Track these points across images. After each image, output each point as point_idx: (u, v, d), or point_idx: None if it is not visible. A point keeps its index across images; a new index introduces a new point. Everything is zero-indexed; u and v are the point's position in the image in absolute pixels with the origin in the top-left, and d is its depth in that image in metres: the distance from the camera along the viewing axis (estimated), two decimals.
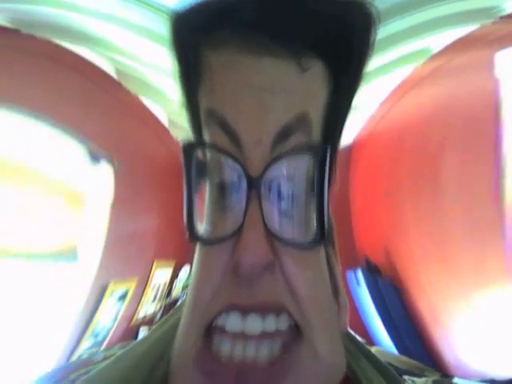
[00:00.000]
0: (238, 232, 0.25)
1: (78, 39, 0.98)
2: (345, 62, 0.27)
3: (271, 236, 0.25)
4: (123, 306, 1.15)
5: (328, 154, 0.26)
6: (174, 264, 1.33)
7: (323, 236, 0.26)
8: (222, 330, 0.26)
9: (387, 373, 0.35)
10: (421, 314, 1.10)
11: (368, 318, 1.20)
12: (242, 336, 0.26)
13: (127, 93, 1.18)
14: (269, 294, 0.26)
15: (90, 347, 1.03)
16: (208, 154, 0.28)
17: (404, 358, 1.08)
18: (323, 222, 0.26)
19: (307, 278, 0.27)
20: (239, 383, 0.25)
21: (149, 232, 1.33)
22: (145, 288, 1.22)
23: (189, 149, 0.27)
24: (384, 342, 1.15)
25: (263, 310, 0.26)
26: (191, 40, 0.28)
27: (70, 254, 1.01)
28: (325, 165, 0.26)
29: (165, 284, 1.29)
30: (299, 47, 0.25)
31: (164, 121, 1.30)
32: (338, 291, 0.32)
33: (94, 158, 1.07)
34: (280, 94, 0.26)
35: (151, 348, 0.34)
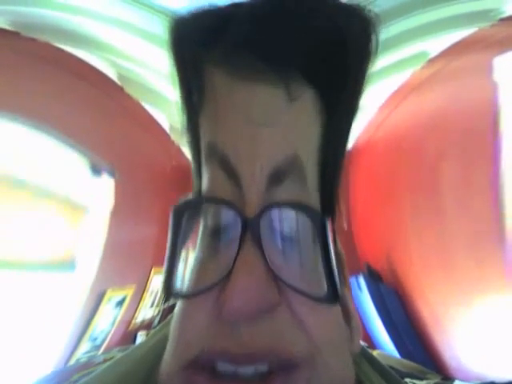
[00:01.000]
0: (227, 278, 0.22)
1: (79, 43, 0.99)
2: (338, 90, 0.25)
3: (275, 278, 0.23)
4: (121, 311, 1.14)
5: (327, 224, 0.24)
6: None
7: (336, 296, 0.24)
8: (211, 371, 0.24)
9: (389, 376, 0.34)
10: (422, 318, 1.09)
11: (370, 322, 1.19)
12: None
13: (129, 98, 1.18)
14: (268, 339, 0.23)
15: (88, 351, 1.02)
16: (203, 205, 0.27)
17: (406, 361, 1.07)
18: (334, 282, 0.24)
19: (321, 321, 0.25)
20: None
21: (147, 239, 1.32)
22: (143, 294, 1.21)
23: (179, 212, 0.26)
24: (386, 345, 1.15)
25: (257, 359, 0.23)
26: (191, 53, 0.26)
27: (69, 264, 1.01)
28: (325, 234, 0.24)
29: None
30: (287, 68, 0.23)
31: (165, 126, 1.30)
32: (349, 316, 0.30)
33: (96, 170, 1.07)
34: (270, 127, 0.24)
35: (149, 353, 0.33)
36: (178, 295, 0.26)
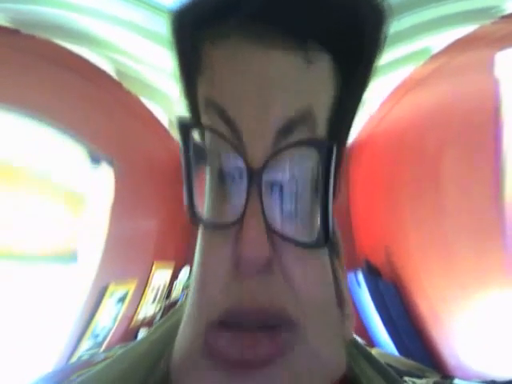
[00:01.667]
0: (239, 223, 0.24)
1: (78, 40, 0.98)
2: (354, 56, 0.27)
3: (271, 232, 0.25)
4: (123, 308, 1.14)
5: (334, 152, 0.25)
6: (173, 265, 1.33)
7: (327, 238, 0.25)
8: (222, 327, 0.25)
9: (387, 374, 0.35)
10: (421, 315, 1.10)
11: (368, 319, 1.20)
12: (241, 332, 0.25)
13: (128, 93, 1.17)
14: (268, 297, 0.25)
15: (90, 348, 1.03)
16: (207, 139, 0.27)
17: (404, 360, 1.07)
18: (327, 223, 0.25)
19: (309, 277, 0.26)
20: (236, 363, 0.24)
21: (149, 233, 1.32)
22: (144, 289, 1.22)
23: (186, 128, 0.27)
24: (384, 343, 1.15)
25: (262, 317, 0.25)
26: (193, 34, 0.27)
27: (70, 256, 1.01)
28: (330, 162, 0.25)
29: (164, 285, 1.29)
30: (306, 38, 0.25)
31: (165, 122, 1.30)
32: (343, 302, 0.31)
33: (95, 159, 1.07)
34: (284, 87, 0.25)
35: (150, 348, 0.33)
36: (203, 222, 0.27)
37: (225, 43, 0.26)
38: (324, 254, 0.29)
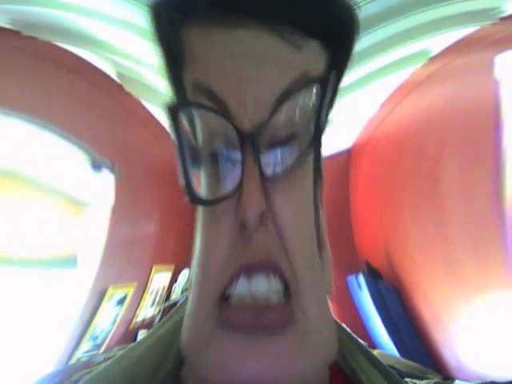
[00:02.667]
0: (238, 190, 0.25)
1: (79, 41, 0.99)
2: (337, 39, 0.29)
3: (266, 182, 0.26)
4: (122, 310, 1.14)
5: (333, 77, 0.27)
6: (172, 268, 1.33)
7: (320, 134, 0.27)
8: (232, 300, 0.26)
9: (388, 374, 0.35)
10: (422, 317, 1.10)
11: (370, 321, 1.20)
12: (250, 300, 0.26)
13: (128, 95, 1.18)
14: (265, 250, 0.26)
15: (89, 350, 1.03)
16: (197, 122, 0.28)
17: (405, 361, 1.07)
18: (322, 119, 0.27)
19: (297, 226, 0.27)
20: (255, 327, 0.25)
21: (148, 237, 1.33)
22: (144, 292, 1.22)
23: (174, 110, 0.26)
24: (386, 344, 1.15)
25: (265, 269, 0.26)
26: (171, 21, 0.28)
27: (70, 260, 1.01)
28: (327, 81, 0.26)
29: (164, 288, 1.29)
30: (288, 29, 0.26)
31: (165, 124, 1.30)
32: (322, 243, 0.32)
33: (96, 165, 1.07)
34: (271, 61, 0.26)
35: (155, 345, 0.34)
36: (202, 201, 0.27)
37: (205, 27, 0.26)
38: (309, 190, 0.29)
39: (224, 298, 0.27)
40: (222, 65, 0.26)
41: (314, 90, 0.27)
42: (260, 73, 0.26)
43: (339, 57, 0.30)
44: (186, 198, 0.27)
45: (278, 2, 0.25)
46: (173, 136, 0.26)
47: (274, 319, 0.26)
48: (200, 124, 0.28)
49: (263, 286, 0.26)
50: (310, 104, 0.27)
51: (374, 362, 0.35)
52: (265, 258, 0.26)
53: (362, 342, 0.36)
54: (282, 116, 0.26)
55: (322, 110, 0.26)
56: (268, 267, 0.27)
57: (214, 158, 0.27)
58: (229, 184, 0.26)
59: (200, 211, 0.29)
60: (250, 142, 0.25)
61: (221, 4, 0.26)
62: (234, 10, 0.25)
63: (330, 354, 0.29)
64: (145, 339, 0.36)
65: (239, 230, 0.26)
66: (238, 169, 0.25)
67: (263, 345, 0.26)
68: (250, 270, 0.26)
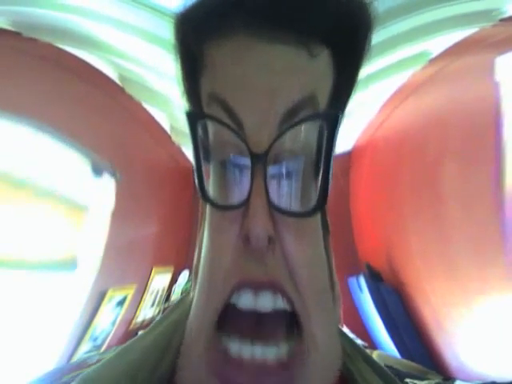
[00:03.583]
0: (246, 204, 0.26)
1: (80, 43, 0.99)
2: (349, 50, 0.29)
3: (273, 210, 0.26)
4: (122, 311, 1.14)
5: (339, 119, 0.27)
6: (172, 269, 1.33)
7: (324, 202, 0.27)
8: (236, 309, 0.27)
9: (387, 377, 0.35)
10: (423, 318, 1.09)
11: (370, 323, 1.19)
12: (252, 332, 0.27)
13: (130, 98, 1.18)
14: (272, 272, 0.27)
15: (89, 351, 1.02)
16: (211, 132, 0.28)
17: (406, 362, 1.07)
18: (327, 187, 0.27)
19: (305, 256, 0.28)
20: None
21: (148, 239, 1.33)
22: (143, 293, 1.22)
23: (193, 118, 0.28)
24: (386, 345, 1.15)
25: (272, 287, 0.27)
26: (196, 34, 0.29)
27: (70, 263, 1.01)
28: (336, 128, 0.26)
29: (163, 289, 1.29)
30: (309, 36, 0.26)
31: (166, 127, 1.30)
32: (333, 282, 0.33)
33: (97, 169, 1.08)
34: (289, 75, 0.26)
35: (158, 340, 0.34)
36: (213, 203, 0.28)
37: (228, 40, 0.27)
38: (318, 232, 0.31)
39: (227, 309, 0.28)
40: (243, 80, 0.27)
41: (319, 125, 0.27)
42: (282, 89, 0.26)
43: (347, 71, 0.30)
44: (200, 197, 0.28)
45: (305, 16, 0.26)
46: (191, 141, 0.28)
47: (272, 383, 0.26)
48: (213, 133, 0.28)
49: (269, 303, 0.27)
50: (315, 138, 0.28)
51: (376, 368, 0.36)
52: (271, 278, 0.27)
53: (363, 348, 0.37)
54: (287, 140, 0.27)
55: (330, 156, 0.27)
56: (274, 287, 0.27)
57: (224, 165, 0.28)
58: (237, 195, 0.28)
59: (208, 216, 0.30)
60: (260, 162, 0.26)
61: (246, 20, 0.26)
62: (257, 23, 0.26)
63: (336, 368, 0.30)
64: (143, 337, 0.36)
65: (243, 242, 0.27)
66: (247, 183, 0.26)
67: None
68: (256, 285, 0.27)
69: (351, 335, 0.38)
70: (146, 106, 1.25)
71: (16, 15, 0.89)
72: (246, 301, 0.27)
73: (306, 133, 0.27)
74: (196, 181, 0.28)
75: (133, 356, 0.32)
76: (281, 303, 0.27)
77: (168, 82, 1.11)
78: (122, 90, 1.16)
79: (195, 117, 0.28)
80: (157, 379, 0.30)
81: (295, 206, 0.28)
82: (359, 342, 0.42)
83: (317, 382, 0.29)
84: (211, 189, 0.29)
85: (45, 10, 0.90)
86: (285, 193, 0.28)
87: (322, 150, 0.27)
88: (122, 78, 1.14)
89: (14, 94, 0.89)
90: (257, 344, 0.27)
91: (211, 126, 0.28)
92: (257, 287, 0.27)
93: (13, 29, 0.90)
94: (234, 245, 0.27)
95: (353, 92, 0.32)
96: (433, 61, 1.11)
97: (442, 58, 1.09)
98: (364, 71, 0.31)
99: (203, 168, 0.28)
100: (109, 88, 1.14)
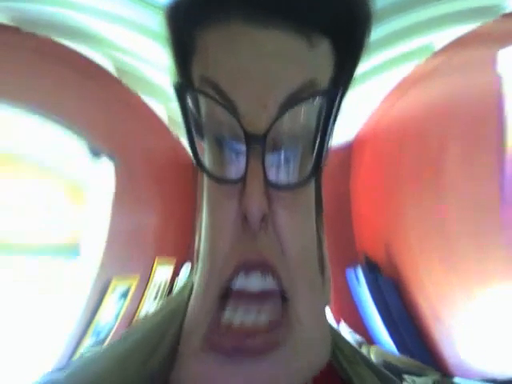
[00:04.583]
0: (242, 181, 0.26)
1: (78, 37, 0.98)
2: (349, 40, 0.29)
3: (269, 186, 0.26)
4: (125, 304, 1.15)
5: (339, 94, 0.27)
6: (175, 261, 1.34)
7: (318, 169, 0.27)
8: (233, 293, 0.28)
9: (389, 381, 0.35)
10: (421, 312, 1.10)
11: (368, 316, 1.20)
12: (245, 296, 0.28)
13: (127, 90, 1.18)
14: (265, 250, 0.27)
15: (92, 345, 1.04)
16: (203, 109, 0.28)
17: (404, 358, 1.08)
18: (321, 155, 0.27)
19: (297, 232, 0.29)
20: (239, 351, 0.27)
21: (150, 229, 1.33)
22: (146, 286, 1.23)
23: (181, 89, 0.28)
24: (384, 340, 1.16)
25: (263, 267, 0.28)
26: (189, 19, 0.28)
27: (72, 249, 1.02)
28: (334, 101, 0.27)
29: (166, 282, 1.30)
30: (307, 25, 0.26)
31: (164, 118, 1.30)
32: (324, 265, 0.34)
33: (95, 153, 1.08)
34: (286, 60, 0.26)
35: (150, 331, 0.34)
36: (211, 175, 0.28)
37: (223, 27, 0.27)
38: (312, 210, 0.31)
39: (225, 294, 0.28)
40: (238, 65, 0.26)
41: (319, 104, 0.27)
42: (276, 73, 0.26)
43: (347, 61, 0.30)
44: (196, 166, 0.28)
45: (303, 4, 0.25)
46: (180, 114, 0.28)
47: (256, 346, 0.27)
48: (205, 110, 0.28)
49: (258, 284, 0.27)
50: (314, 117, 0.28)
51: (377, 372, 0.36)
52: (263, 257, 0.28)
53: (364, 353, 0.37)
54: (286, 122, 0.27)
55: (326, 127, 0.27)
56: (264, 267, 0.28)
57: (218, 142, 0.28)
58: (233, 171, 0.28)
59: (206, 193, 0.30)
60: (257, 144, 0.26)
61: (243, 6, 0.26)
62: (254, 10, 0.26)
63: (319, 366, 0.30)
64: (138, 327, 0.37)
65: (242, 221, 0.27)
66: (242, 164, 0.26)
67: (248, 366, 0.27)
68: (248, 266, 0.27)
69: (349, 333, 0.39)
70: (144, 98, 1.24)
71: (15, 11, 0.89)
72: (239, 282, 0.28)
73: (305, 114, 0.27)
74: (191, 153, 0.28)
75: (125, 347, 0.33)
76: (270, 283, 0.28)
77: (166, 74, 1.10)
78: (120, 82, 1.16)
79: (184, 88, 0.28)
80: (150, 370, 0.30)
81: (291, 180, 0.28)
82: (357, 337, 0.43)
83: (304, 364, 0.29)
84: (207, 163, 0.29)
85: (43, 6, 0.89)
86: (282, 171, 0.28)
87: (319, 129, 0.27)
88: (120, 70, 1.14)
89: (14, 85, 0.89)
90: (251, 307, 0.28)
91: (203, 104, 0.28)
92: (248, 268, 0.27)
93: (11, 24, 0.89)
94: (233, 222, 0.27)
95: (352, 82, 0.32)
96: (436, 54, 1.09)
97: (445, 52, 1.07)
98: (364, 62, 0.31)
99: (196, 142, 0.28)
100: (107, 80, 1.14)
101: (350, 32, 0.28)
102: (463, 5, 0.90)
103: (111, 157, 1.11)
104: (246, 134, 0.26)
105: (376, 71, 1.16)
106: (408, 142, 1.29)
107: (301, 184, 0.28)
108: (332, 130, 0.29)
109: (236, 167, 0.27)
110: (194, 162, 0.28)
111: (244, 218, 0.26)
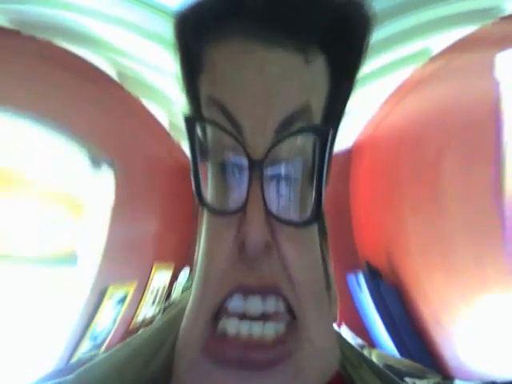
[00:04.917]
0: (242, 209, 0.26)
1: (79, 41, 0.99)
2: (345, 56, 0.29)
3: (270, 217, 0.27)
4: (122, 309, 1.14)
5: (330, 134, 0.27)
6: (173, 267, 1.33)
7: (319, 213, 0.28)
8: (228, 312, 0.28)
9: (384, 375, 0.35)
10: (422, 317, 1.10)
11: (369, 321, 1.20)
12: (246, 317, 0.28)
13: (129, 95, 1.18)
14: (267, 277, 0.28)
15: (89, 350, 1.02)
16: (209, 134, 0.29)
17: (405, 361, 1.07)
18: (320, 200, 0.27)
19: (302, 261, 0.29)
20: (244, 364, 0.26)
21: (148, 235, 1.33)
22: (144, 291, 1.22)
23: (191, 121, 0.28)
24: (385, 344, 1.15)
25: (264, 292, 0.28)
26: (195, 35, 0.29)
27: (70, 258, 1.01)
28: (326, 145, 0.27)
29: (164, 287, 1.29)
30: (306, 41, 0.27)
31: (165, 123, 1.30)
32: (329, 284, 0.34)
33: (95, 162, 1.07)
34: (286, 83, 0.27)
35: (151, 338, 0.35)
36: (209, 207, 0.29)
37: (227, 43, 0.27)
38: (315, 238, 0.32)
39: (221, 313, 0.28)
40: (245, 86, 0.27)
41: (313, 138, 0.28)
42: (281, 95, 0.27)
43: (341, 79, 0.31)
44: (196, 201, 0.28)
45: (303, 21, 0.26)
46: (188, 144, 0.28)
47: (263, 359, 0.27)
48: (211, 135, 0.29)
49: (258, 307, 0.28)
50: (310, 148, 0.29)
51: (381, 375, 0.36)
52: (267, 283, 0.28)
53: (368, 356, 0.37)
54: (284, 148, 0.27)
55: (323, 163, 0.27)
56: (269, 291, 0.28)
57: (222, 168, 0.29)
58: (234, 199, 0.28)
59: (205, 220, 0.30)
60: (258, 168, 0.26)
61: (245, 23, 0.27)
62: (268, 27, 0.26)
63: (327, 377, 0.31)
64: (139, 335, 0.37)
65: (239, 248, 0.27)
66: (244, 188, 0.27)
67: (253, 380, 0.27)
68: (245, 290, 0.28)
69: (351, 336, 0.39)
70: (144, 102, 1.25)
71: (14, 13, 0.89)
72: (236, 304, 0.28)
73: (301, 142, 0.28)
74: (193, 185, 0.28)
75: (124, 353, 0.33)
76: (271, 307, 0.28)
77: (167, 79, 1.11)
78: (120, 86, 1.16)
79: (194, 120, 0.28)
80: (149, 376, 0.31)
81: (292, 214, 0.28)
82: (358, 340, 0.43)
83: (312, 377, 0.29)
84: (208, 191, 0.30)
85: (43, 8, 0.90)
86: (282, 200, 0.28)
87: (315, 160, 0.28)
88: (120, 74, 1.14)
89: (13, 91, 0.89)
90: (255, 323, 0.28)
91: (210, 129, 0.29)
92: (247, 292, 0.28)
93: (11, 27, 0.89)
94: (230, 250, 0.28)
95: (348, 101, 0.32)
96: (433, 58, 1.10)
97: (443, 56, 1.08)
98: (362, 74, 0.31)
99: (200, 170, 0.29)
100: (108, 85, 1.14)
101: (347, 47, 0.29)
102: (461, 7, 0.91)
103: (111, 165, 1.11)
104: (249, 159, 0.26)
105: (373, 76, 1.17)
106: (406, 148, 1.29)
107: (303, 224, 0.28)
108: (329, 164, 0.30)
109: (238, 194, 0.28)
110: (196, 196, 0.28)
111: (241, 246, 0.27)
